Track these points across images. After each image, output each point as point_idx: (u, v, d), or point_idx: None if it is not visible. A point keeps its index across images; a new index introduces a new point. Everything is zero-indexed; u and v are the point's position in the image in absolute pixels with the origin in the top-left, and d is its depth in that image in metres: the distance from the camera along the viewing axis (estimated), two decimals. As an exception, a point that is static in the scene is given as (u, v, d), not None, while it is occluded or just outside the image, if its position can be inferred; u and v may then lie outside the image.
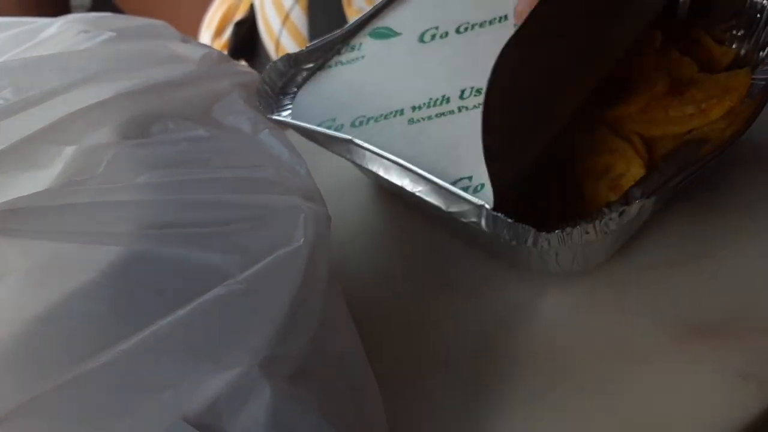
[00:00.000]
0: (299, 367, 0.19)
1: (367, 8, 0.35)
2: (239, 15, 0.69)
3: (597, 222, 0.23)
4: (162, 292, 0.18)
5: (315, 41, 0.34)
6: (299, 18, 0.63)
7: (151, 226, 0.19)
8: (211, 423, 0.17)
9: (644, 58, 0.31)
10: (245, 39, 0.69)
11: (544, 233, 0.22)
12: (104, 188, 0.19)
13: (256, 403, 0.18)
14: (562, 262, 0.28)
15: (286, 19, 0.64)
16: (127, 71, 0.24)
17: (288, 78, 0.34)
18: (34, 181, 0.19)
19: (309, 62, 0.34)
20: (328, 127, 0.29)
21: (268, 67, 0.33)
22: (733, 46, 0.31)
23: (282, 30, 0.63)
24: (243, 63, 0.66)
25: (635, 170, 0.26)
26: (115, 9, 0.78)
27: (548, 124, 0.27)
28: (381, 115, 0.30)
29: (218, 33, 0.69)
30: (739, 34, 0.31)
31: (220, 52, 0.31)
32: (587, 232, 0.23)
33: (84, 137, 0.21)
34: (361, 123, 0.30)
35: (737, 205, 0.30)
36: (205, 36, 0.70)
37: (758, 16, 0.30)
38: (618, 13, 0.29)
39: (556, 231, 0.23)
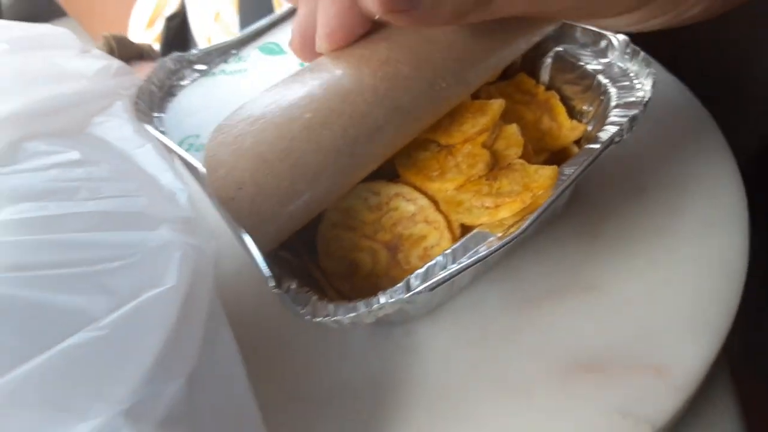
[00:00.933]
0: (171, 412, 0.19)
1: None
2: (169, 10, 0.68)
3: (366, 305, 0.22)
4: (23, 337, 0.17)
5: (209, 45, 0.34)
6: (231, 14, 0.62)
7: (10, 268, 0.18)
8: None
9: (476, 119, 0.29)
10: (177, 33, 0.68)
11: (320, 318, 0.22)
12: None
13: (122, 452, 0.17)
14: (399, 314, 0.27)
15: (217, 16, 0.63)
16: (8, 92, 0.23)
17: (177, 78, 0.33)
18: None
19: (201, 64, 0.33)
20: (191, 145, 0.28)
21: (156, 64, 0.32)
22: (585, 121, 0.30)
23: (213, 26, 0.63)
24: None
25: (444, 245, 0.26)
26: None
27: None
28: None
29: (150, 24, 0.68)
30: (590, 109, 0.31)
31: (120, 65, 0.30)
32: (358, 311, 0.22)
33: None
34: None
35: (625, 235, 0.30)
36: (136, 27, 0.69)
37: (601, 98, 0.29)
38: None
39: (324, 318, 0.22)
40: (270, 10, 0.58)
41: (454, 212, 0.26)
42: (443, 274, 0.22)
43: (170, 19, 0.67)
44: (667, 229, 0.30)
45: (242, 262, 0.30)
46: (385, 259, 0.27)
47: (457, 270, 0.23)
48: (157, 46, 0.65)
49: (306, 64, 0.29)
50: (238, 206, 0.22)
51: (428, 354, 0.27)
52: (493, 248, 0.23)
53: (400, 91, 0.25)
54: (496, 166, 0.28)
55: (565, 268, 0.29)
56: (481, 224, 0.25)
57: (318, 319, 0.22)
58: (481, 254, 0.23)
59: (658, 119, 0.34)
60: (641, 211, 0.31)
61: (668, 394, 0.25)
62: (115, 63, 0.30)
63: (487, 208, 0.25)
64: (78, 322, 0.18)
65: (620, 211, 0.31)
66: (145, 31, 0.69)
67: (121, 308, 0.18)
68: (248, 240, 0.20)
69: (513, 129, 0.28)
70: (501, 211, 0.25)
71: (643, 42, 0.29)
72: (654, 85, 0.27)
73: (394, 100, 0.25)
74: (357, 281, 0.27)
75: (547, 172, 0.25)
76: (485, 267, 0.29)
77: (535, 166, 0.26)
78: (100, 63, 0.29)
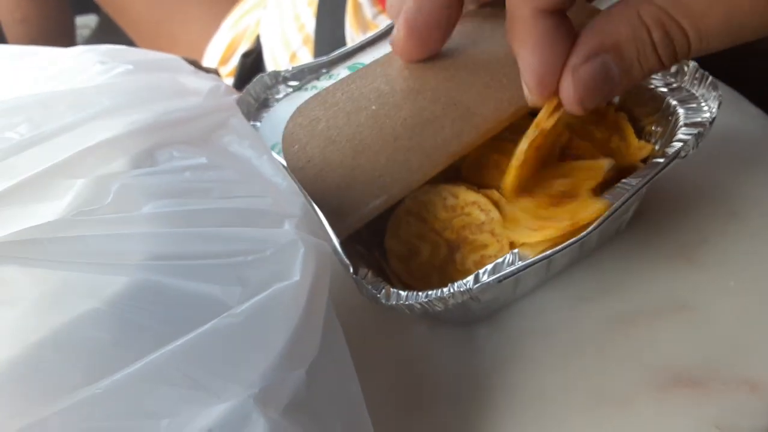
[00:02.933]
0: (293, 400, 0.20)
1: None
2: (245, 45, 0.71)
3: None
4: (163, 321, 0.19)
5: (301, 63, 0.36)
6: (306, 58, 0.65)
7: (157, 257, 0.19)
8: (204, 453, 0.17)
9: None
10: (251, 70, 0.70)
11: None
12: (112, 218, 0.20)
13: (250, 434, 0.18)
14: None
15: (293, 57, 0.65)
16: (138, 105, 0.25)
17: (272, 92, 0.36)
18: (45, 212, 0.20)
19: (294, 80, 0.36)
20: (280, 150, 0.30)
21: (255, 79, 0.36)
22: (653, 141, 0.31)
23: (289, 67, 0.65)
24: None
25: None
26: (119, 31, 0.80)
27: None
28: None
29: (223, 62, 0.71)
30: (658, 129, 0.31)
31: (227, 86, 0.33)
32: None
33: (95, 171, 0.22)
34: None
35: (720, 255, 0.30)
36: (209, 63, 0.72)
37: (669, 118, 0.30)
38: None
39: (397, 302, 0.25)
40: None
41: (508, 228, 0.28)
42: (510, 268, 0.24)
43: (245, 56, 0.70)
44: (756, 253, 0.30)
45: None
46: (443, 254, 0.29)
47: (524, 265, 0.24)
48: (229, 82, 0.68)
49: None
50: (306, 174, 0.27)
51: (517, 361, 0.28)
52: (557, 248, 0.24)
53: (457, 91, 0.28)
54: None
55: (657, 288, 0.29)
56: (522, 244, 0.26)
57: (392, 303, 0.25)
58: (546, 253, 0.24)
59: (744, 147, 0.34)
60: (732, 235, 0.31)
61: (763, 410, 0.25)
62: (223, 84, 0.33)
63: (531, 229, 0.27)
64: (215, 309, 0.19)
65: (712, 235, 0.31)
66: (219, 68, 0.72)
67: (253, 298, 0.19)
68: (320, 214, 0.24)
69: (602, 165, 0.29)
70: (538, 234, 0.26)
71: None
72: (720, 106, 0.28)
73: (450, 98, 0.28)
74: (412, 266, 0.29)
75: (598, 205, 0.26)
76: (548, 272, 0.29)
77: (591, 199, 0.27)
78: (211, 83, 0.31)
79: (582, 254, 0.29)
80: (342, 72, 0.35)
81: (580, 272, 0.30)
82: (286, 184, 0.23)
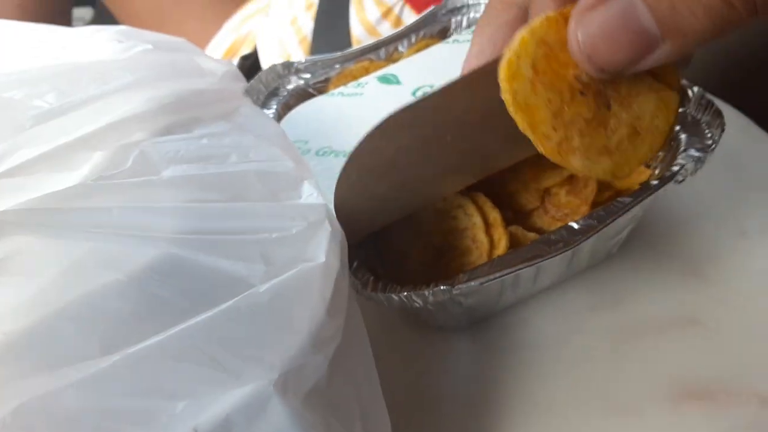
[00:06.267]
0: (313, 386, 0.19)
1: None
2: (245, 49, 0.72)
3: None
4: (185, 296, 0.18)
5: (315, 56, 0.36)
6: (301, 59, 0.65)
7: (181, 230, 0.18)
8: (221, 437, 0.16)
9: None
10: (250, 72, 0.71)
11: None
12: (132, 182, 0.19)
13: (269, 421, 0.17)
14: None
15: (288, 59, 0.66)
16: (160, 81, 0.25)
17: (283, 82, 0.35)
18: (65, 180, 0.19)
19: (306, 73, 0.36)
20: (299, 149, 0.30)
21: (267, 68, 0.35)
22: (653, 166, 0.30)
23: None
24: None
25: None
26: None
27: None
28: (342, 151, 0.31)
29: None
30: (659, 154, 0.30)
31: (238, 71, 0.32)
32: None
33: (117, 143, 0.21)
34: (324, 153, 0.32)
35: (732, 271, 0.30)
36: (209, 64, 0.72)
37: (672, 143, 0.29)
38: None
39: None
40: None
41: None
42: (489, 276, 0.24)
43: (245, 59, 0.71)
44: (765, 272, 0.31)
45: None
46: (430, 258, 0.28)
47: (500, 275, 0.23)
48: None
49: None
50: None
51: (524, 370, 0.27)
52: (538, 260, 0.24)
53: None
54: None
55: (667, 302, 0.29)
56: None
57: (370, 293, 0.24)
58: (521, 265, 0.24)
59: (753, 170, 0.35)
60: (742, 252, 0.31)
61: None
62: (235, 69, 0.32)
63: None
64: (238, 286, 0.18)
65: (722, 253, 0.31)
66: None
67: (276, 277, 0.19)
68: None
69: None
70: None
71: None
72: (722, 134, 0.28)
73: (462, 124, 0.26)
74: (404, 267, 0.29)
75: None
76: (535, 284, 0.29)
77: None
78: (225, 67, 0.31)
79: (570, 271, 0.29)
80: (371, 81, 0.35)
81: (588, 283, 0.30)
82: (300, 156, 0.23)
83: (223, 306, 0.18)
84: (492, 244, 0.26)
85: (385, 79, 0.35)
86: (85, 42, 0.28)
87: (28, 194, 0.18)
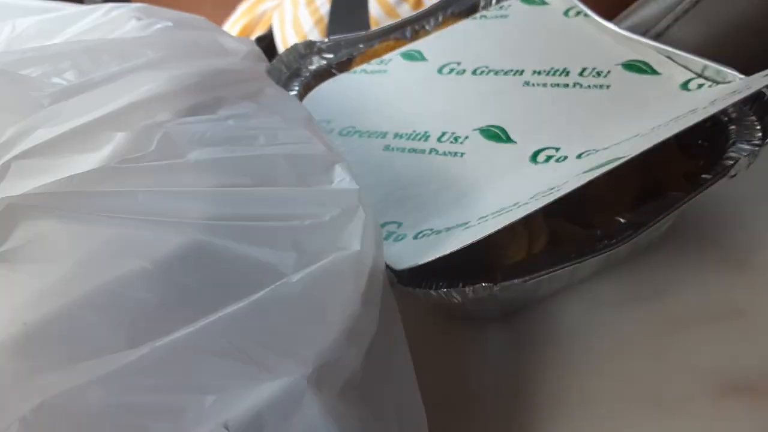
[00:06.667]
0: (348, 381, 0.18)
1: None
2: (260, 30, 0.71)
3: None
4: (215, 286, 0.17)
5: (338, 35, 0.35)
6: (316, 39, 0.64)
7: (210, 216, 0.17)
8: (252, 434, 0.15)
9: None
10: (264, 54, 0.70)
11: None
12: (157, 165, 0.18)
13: (303, 416, 0.16)
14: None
15: (304, 39, 0.65)
16: (182, 60, 0.24)
17: (305, 62, 0.34)
18: (88, 161, 0.18)
19: (328, 53, 0.34)
20: (323, 128, 0.29)
21: (288, 48, 0.34)
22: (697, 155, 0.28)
23: None
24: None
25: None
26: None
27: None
28: (366, 132, 0.30)
29: None
30: (705, 144, 0.28)
31: (260, 51, 0.31)
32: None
33: (140, 123, 0.20)
34: (348, 133, 0.30)
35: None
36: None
37: (720, 135, 0.27)
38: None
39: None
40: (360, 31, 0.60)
41: None
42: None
43: (260, 40, 0.70)
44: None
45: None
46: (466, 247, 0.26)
47: (545, 272, 0.22)
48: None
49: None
50: None
51: (559, 363, 0.26)
52: (579, 259, 0.22)
53: None
54: None
55: (710, 292, 0.28)
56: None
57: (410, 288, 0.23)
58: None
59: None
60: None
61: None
62: (257, 49, 0.31)
63: None
64: (269, 276, 0.17)
65: (765, 244, 0.30)
66: None
67: (309, 267, 0.18)
68: None
69: None
70: None
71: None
72: None
73: None
74: None
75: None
76: (571, 277, 0.27)
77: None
78: (248, 46, 0.30)
79: (608, 264, 0.27)
80: (394, 57, 0.34)
81: (628, 273, 0.29)
82: (330, 139, 0.22)
83: (255, 297, 0.17)
84: (531, 237, 0.25)
85: (410, 56, 0.34)
86: (103, 20, 0.27)
87: (48, 177, 0.17)
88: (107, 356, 0.15)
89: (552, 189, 0.21)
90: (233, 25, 0.73)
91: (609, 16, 0.34)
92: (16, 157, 0.16)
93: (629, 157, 0.21)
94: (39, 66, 0.20)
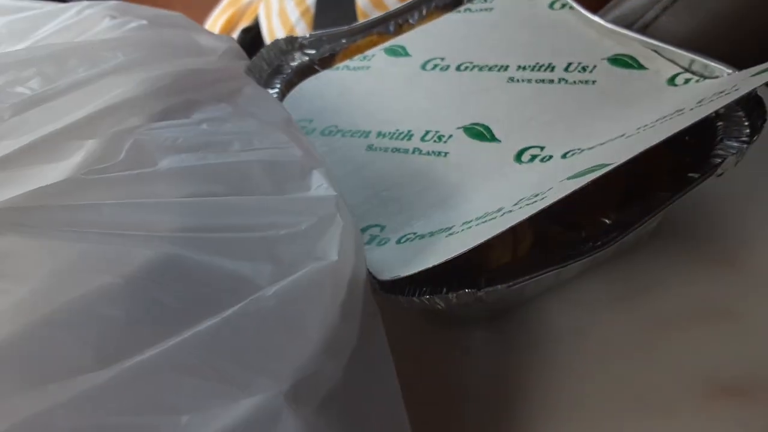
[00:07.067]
0: (328, 394, 0.17)
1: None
2: (245, 22, 0.70)
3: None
4: (186, 301, 0.16)
5: (320, 31, 0.34)
6: (304, 32, 0.63)
7: (180, 228, 0.17)
8: (229, 454, 0.15)
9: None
10: (251, 46, 0.69)
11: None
12: (126, 176, 0.17)
13: (280, 433, 0.16)
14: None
15: (290, 31, 0.64)
16: (155, 61, 0.23)
17: (287, 58, 0.33)
18: (55, 173, 0.17)
19: (310, 48, 0.34)
20: (303, 128, 0.28)
21: (269, 44, 0.33)
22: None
23: None
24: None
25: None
26: None
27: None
28: (349, 131, 0.29)
29: None
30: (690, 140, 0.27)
31: (239, 48, 0.31)
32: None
33: (109, 131, 0.19)
34: (330, 133, 0.29)
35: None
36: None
37: (706, 131, 0.26)
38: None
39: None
40: (347, 23, 0.59)
41: None
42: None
43: (246, 31, 0.69)
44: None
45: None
46: None
47: (529, 277, 0.21)
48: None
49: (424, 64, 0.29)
50: None
51: (548, 365, 0.26)
52: (564, 263, 0.22)
53: None
54: None
55: (699, 292, 0.27)
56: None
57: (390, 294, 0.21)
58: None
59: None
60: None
61: (811, 419, 0.24)
62: (236, 46, 0.30)
63: None
64: (243, 289, 0.17)
65: (756, 241, 0.29)
66: None
67: (285, 278, 0.17)
68: None
69: None
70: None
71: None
72: (764, 124, 0.25)
73: None
74: None
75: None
76: (557, 279, 0.27)
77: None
78: (226, 44, 0.29)
79: (595, 265, 0.27)
80: (378, 53, 0.33)
81: (614, 273, 0.28)
82: (308, 143, 0.21)
83: (229, 312, 0.16)
84: (516, 239, 0.24)
85: (393, 51, 0.33)
86: (76, 18, 0.26)
87: (11, 191, 0.16)
88: (76, 377, 0.15)
89: (536, 195, 0.21)
90: (219, 16, 0.72)
91: (596, 8, 0.33)
92: (-25, 172, 0.16)
93: (615, 165, 0.20)
94: (2, 75, 0.19)
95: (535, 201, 0.20)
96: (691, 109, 0.22)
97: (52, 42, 0.24)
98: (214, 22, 0.71)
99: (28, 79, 0.19)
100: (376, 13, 0.60)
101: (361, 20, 0.61)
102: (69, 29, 0.26)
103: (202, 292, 0.17)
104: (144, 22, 0.26)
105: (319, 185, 0.20)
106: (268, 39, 0.66)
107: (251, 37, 0.68)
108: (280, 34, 0.64)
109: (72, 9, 0.27)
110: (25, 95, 0.18)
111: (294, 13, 0.64)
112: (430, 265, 0.20)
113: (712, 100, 0.22)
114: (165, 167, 0.18)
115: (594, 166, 0.20)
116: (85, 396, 0.15)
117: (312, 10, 0.63)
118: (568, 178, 0.21)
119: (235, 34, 0.68)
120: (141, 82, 0.21)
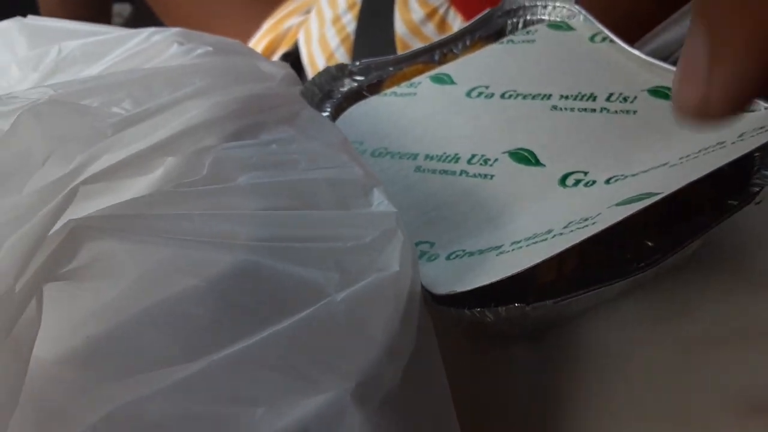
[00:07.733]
0: (387, 396, 0.19)
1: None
2: (284, 47, 0.72)
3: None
4: (264, 304, 0.18)
5: (368, 59, 0.36)
6: (343, 58, 0.65)
7: (259, 238, 0.19)
8: (298, 446, 0.16)
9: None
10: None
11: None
12: (211, 189, 0.19)
13: (346, 430, 0.17)
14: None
15: (330, 57, 0.66)
16: (227, 86, 0.25)
17: (337, 84, 0.35)
18: (141, 186, 0.19)
19: (359, 75, 0.36)
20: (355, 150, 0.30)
21: (321, 71, 0.35)
22: None
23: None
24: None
25: None
26: (152, 23, 0.80)
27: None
28: (398, 153, 0.31)
29: None
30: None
31: (295, 74, 0.32)
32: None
33: (189, 149, 0.21)
34: (380, 154, 0.31)
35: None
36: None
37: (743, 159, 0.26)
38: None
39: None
40: (386, 50, 0.61)
41: None
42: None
43: (285, 57, 0.71)
44: None
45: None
46: None
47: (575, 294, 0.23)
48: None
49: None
50: None
51: (591, 381, 0.27)
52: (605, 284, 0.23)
53: None
54: None
55: (737, 314, 0.28)
56: None
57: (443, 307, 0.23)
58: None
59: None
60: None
61: None
62: (293, 72, 0.32)
63: None
64: (315, 295, 0.18)
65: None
66: None
67: (352, 286, 0.19)
68: None
69: None
70: None
71: None
72: None
73: None
74: None
75: None
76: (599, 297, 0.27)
77: None
78: (283, 70, 0.31)
79: (637, 283, 0.28)
80: (424, 81, 0.35)
81: (655, 292, 0.29)
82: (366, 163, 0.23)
83: (303, 314, 0.18)
84: (562, 259, 0.25)
85: (439, 79, 0.35)
86: (145, 45, 0.28)
87: (110, 200, 0.18)
88: (166, 369, 0.16)
89: (586, 220, 0.22)
90: (259, 41, 0.75)
91: (632, 41, 0.35)
92: (83, 182, 0.17)
93: (665, 195, 0.21)
94: (98, 96, 0.21)
95: (586, 225, 0.21)
96: (733, 142, 0.23)
97: (124, 65, 0.27)
98: (254, 47, 0.74)
99: (120, 101, 0.21)
100: (415, 41, 0.62)
101: (400, 47, 0.63)
102: (139, 54, 0.28)
103: (277, 296, 0.18)
104: (209, 48, 0.29)
105: (380, 202, 0.21)
106: (307, 64, 0.68)
107: (290, 63, 0.71)
108: (320, 59, 0.67)
109: (141, 35, 0.29)
110: (121, 115, 0.20)
111: (334, 40, 0.66)
112: (489, 282, 0.21)
113: (752, 135, 0.23)
114: (243, 183, 0.20)
115: (642, 194, 0.22)
116: (173, 386, 0.16)
117: (352, 37, 0.65)
118: (617, 204, 0.22)
119: (275, 59, 0.71)
120: (214, 105, 0.23)
